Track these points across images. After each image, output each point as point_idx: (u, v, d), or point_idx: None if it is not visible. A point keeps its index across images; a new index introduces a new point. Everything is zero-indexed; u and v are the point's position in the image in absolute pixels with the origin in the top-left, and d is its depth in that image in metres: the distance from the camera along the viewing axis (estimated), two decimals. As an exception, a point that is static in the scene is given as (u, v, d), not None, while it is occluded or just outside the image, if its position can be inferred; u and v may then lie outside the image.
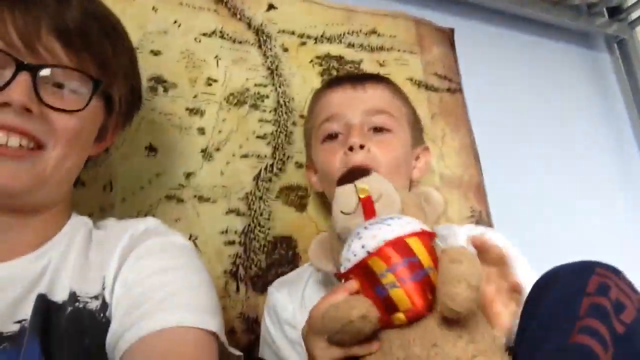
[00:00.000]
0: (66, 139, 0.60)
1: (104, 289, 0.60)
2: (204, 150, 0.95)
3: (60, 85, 0.61)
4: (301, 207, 1.00)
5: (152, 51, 0.95)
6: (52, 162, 0.60)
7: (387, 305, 0.54)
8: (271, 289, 0.85)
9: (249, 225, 0.94)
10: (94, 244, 0.64)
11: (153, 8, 0.97)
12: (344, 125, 0.85)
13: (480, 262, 0.54)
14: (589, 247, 1.00)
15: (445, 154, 1.19)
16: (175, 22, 0.99)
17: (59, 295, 0.58)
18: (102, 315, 0.59)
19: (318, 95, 0.94)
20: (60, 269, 0.60)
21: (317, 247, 0.72)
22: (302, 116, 1.04)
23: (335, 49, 1.14)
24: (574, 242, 1.24)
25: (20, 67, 0.57)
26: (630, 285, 0.55)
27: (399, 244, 0.55)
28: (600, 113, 1.59)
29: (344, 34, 1.16)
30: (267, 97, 1.03)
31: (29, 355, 0.52)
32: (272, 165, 1.00)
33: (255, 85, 1.03)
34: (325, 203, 0.97)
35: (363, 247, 0.56)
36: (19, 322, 0.55)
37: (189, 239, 0.83)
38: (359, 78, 0.92)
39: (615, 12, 1.65)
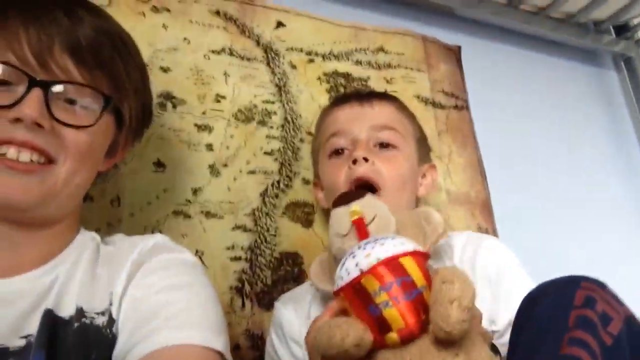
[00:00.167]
0: (77, 154, 0.61)
1: (111, 304, 0.60)
2: (211, 166, 0.95)
3: (72, 102, 0.61)
4: (308, 223, 1.00)
5: (161, 68, 0.96)
6: (62, 176, 0.60)
7: (380, 325, 0.53)
8: (277, 304, 0.85)
9: (255, 241, 0.94)
10: (102, 260, 0.65)
11: (163, 25, 0.99)
12: (350, 141, 0.85)
13: None
14: (597, 264, 0.99)
15: (452, 171, 1.19)
16: (185, 39, 1.00)
17: (66, 311, 0.58)
18: (108, 330, 0.59)
19: (325, 112, 0.95)
20: (67, 284, 0.60)
21: (318, 266, 0.72)
22: (309, 133, 1.04)
23: (342, 66, 1.15)
24: (581, 259, 1.24)
25: (32, 83, 0.58)
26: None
27: (393, 263, 0.54)
28: (607, 130, 1.59)
29: (351, 52, 1.17)
30: (275, 113, 1.04)
31: (34, 371, 0.52)
32: (278, 182, 1.00)
33: (263, 101, 1.04)
34: (332, 220, 0.97)
35: (357, 265, 0.56)
36: (25, 337, 0.55)
37: (195, 254, 0.83)
38: (366, 95, 0.93)
39: (622, 30, 1.66)
